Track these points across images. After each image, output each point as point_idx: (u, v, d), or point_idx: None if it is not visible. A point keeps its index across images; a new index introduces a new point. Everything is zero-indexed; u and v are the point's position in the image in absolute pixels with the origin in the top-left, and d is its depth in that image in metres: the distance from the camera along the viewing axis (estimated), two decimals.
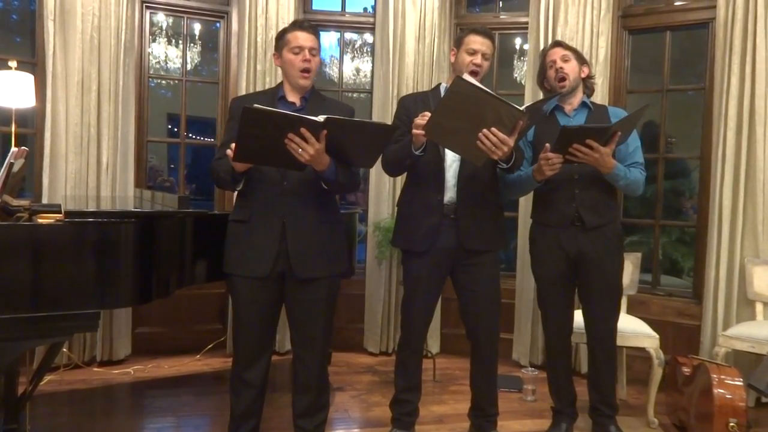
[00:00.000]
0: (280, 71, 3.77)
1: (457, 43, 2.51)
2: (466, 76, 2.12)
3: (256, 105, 1.90)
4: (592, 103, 2.70)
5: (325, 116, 1.92)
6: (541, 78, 2.73)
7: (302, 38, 2.22)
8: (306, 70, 2.23)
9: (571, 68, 2.61)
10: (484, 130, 2.11)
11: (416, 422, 2.72)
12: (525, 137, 2.70)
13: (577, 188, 2.57)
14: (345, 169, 2.16)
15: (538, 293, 2.79)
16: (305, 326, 2.30)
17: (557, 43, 2.72)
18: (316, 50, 2.25)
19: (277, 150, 1.95)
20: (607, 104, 2.76)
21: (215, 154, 2.31)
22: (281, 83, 2.35)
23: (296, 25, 2.27)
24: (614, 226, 2.63)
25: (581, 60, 2.68)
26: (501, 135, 2.12)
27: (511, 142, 2.15)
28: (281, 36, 2.28)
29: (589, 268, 2.60)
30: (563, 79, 2.60)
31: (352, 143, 2.06)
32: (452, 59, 2.54)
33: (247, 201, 2.25)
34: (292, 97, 2.29)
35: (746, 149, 3.30)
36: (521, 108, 2.08)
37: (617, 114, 2.63)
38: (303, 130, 1.91)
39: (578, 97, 2.67)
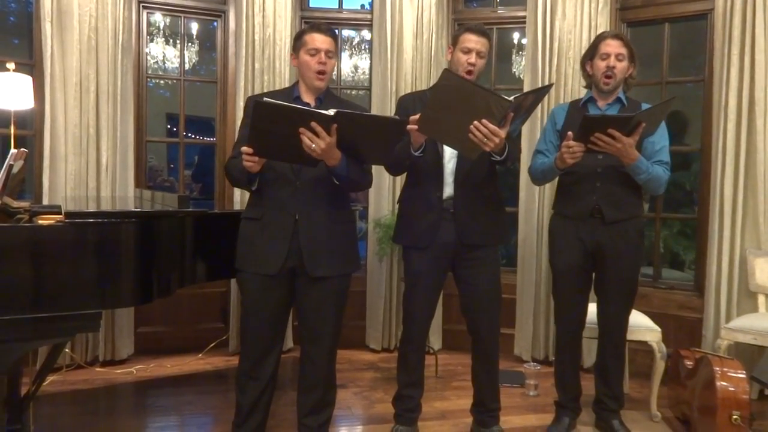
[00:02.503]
0: (278, 69, 3.86)
1: (453, 41, 2.52)
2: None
3: (267, 99, 1.92)
4: (628, 98, 2.66)
5: (335, 110, 1.94)
6: (587, 59, 2.67)
7: (319, 40, 2.24)
8: (321, 72, 2.25)
9: (621, 68, 2.56)
10: (475, 122, 2.11)
11: (419, 418, 2.73)
12: (554, 125, 2.71)
13: (599, 181, 2.56)
14: (357, 166, 2.17)
15: (553, 284, 2.78)
16: (314, 324, 2.31)
17: (618, 36, 2.61)
18: (332, 52, 2.27)
19: (289, 145, 1.96)
20: (641, 101, 2.69)
21: (232, 152, 2.33)
22: (296, 83, 2.37)
23: (314, 28, 2.29)
24: (636, 222, 2.61)
25: (632, 59, 2.61)
26: (491, 126, 2.12)
27: (502, 133, 2.14)
28: (299, 37, 2.30)
29: (606, 261, 2.59)
30: (610, 77, 2.56)
31: (364, 138, 2.07)
32: (448, 57, 2.54)
33: (260, 199, 2.27)
34: (307, 98, 2.31)
35: (746, 140, 3.29)
36: (510, 98, 2.08)
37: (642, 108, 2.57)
38: (313, 123, 1.92)
39: (615, 92, 2.63)
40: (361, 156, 2.16)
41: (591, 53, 2.64)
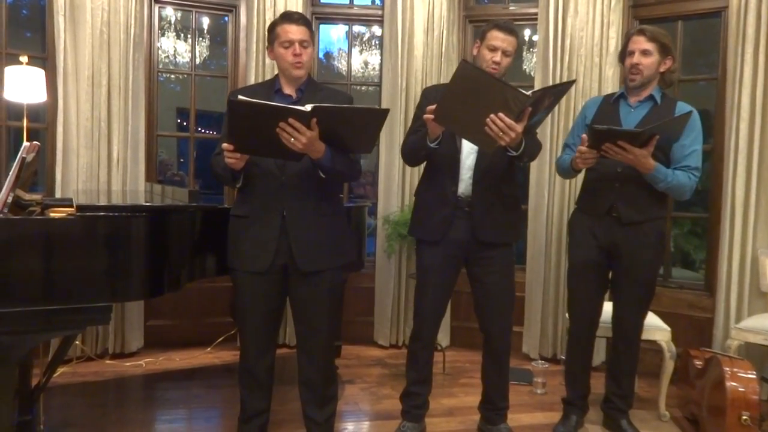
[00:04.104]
0: None
1: (481, 36, 2.47)
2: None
3: (241, 98, 1.89)
4: (664, 96, 2.59)
5: (312, 105, 1.91)
6: (621, 57, 2.64)
7: (291, 31, 2.18)
8: (298, 63, 2.20)
9: (648, 63, 2.49)
10: (492, 116, 2.09)
11: (426, 415, 2.73)
12: (584, 119, 2.69)
13: (618, 181, 2.53)
14: (342, 156, 2.14)
15: (567, 279, 2.79)
16: (309, 319, 2.30)
17: (642, 32, 2.52)
18: (307, 42, 2.21)
19: (270, 140, 1.94)
20: (676, 99, 2.61)
21: (216, 149, 2.30)
22: (277, 75, 2.33)
23: (285, 18, 2.22)
24: (656, 224, 2.56)
25: (665, 53, 2.51)
26: (508, 120, 2.10)
27: (518, 128, 2.12)
28: (271, 29, 2.25)
29: (622, 262, 2.57)
30: (635, 74, 2.51)
31: (346, 129, 2.04)
32: (474, 52, 2.51)
33: (246, 196, 2.24)
34: (288, 90, 2.27)
35: (759, 139, 3.26)
36: (528, 93, 2.06)
37: (683, 110, 2.49)
38: (291, 120, 1.90)
39: (648, 89, 2.56)
40: (345, 146, 2.12)
41: (623, 52, 2.61)
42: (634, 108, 2.59)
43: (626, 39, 2.61)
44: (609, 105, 2.65)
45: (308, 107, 1.90)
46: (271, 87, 2.31)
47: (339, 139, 2.06)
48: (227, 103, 1.89)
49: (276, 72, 3.72)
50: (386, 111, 2.05)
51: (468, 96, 2.08)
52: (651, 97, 2.57)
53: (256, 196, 2.21)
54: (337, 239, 2.31)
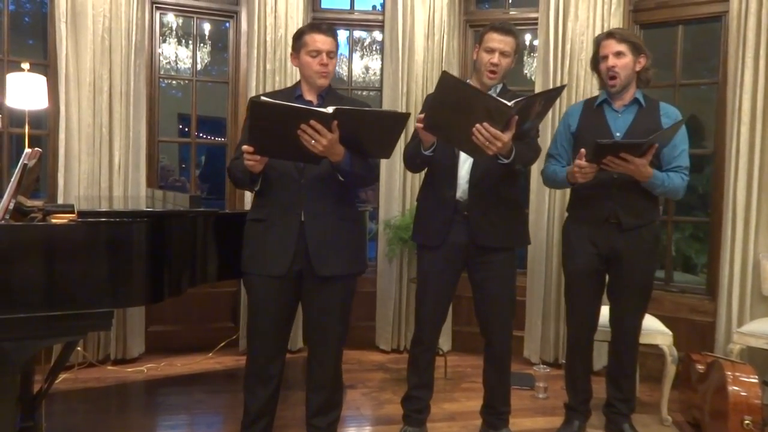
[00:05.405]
0: (290, 69, 3.86)
1: (479, 39, 2.49)
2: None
3: (263, 98, 1.91)
4: (646, 97, 2.60)
5: (334, 107, 1.93)
6: (594, 64, 2.63)
7: (320, 41, 2.21)
8: (324, 72, 2.24)
9: (623, 65, 2.49)
10: (477, 125, 2.10)
11: (428, 419, 2.72)
12: (568, 127, 2.68)
13: (615, 188, 2.52)
14: (361, 161, 2.16)
15: (565, 287, 2.78)
16: (321, 325, 2.30)
17: (611, 35, 2.54)
18: (333, 53, 2.25)
19: (291, 143, 1.95)
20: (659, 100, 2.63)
21: (234, 153, 2.32)
22: (299, 82, 2.36)
23: (314, 28, 2.26)
24: (652, 227, 2.58)
25: (637, 52, 2.51)
26: (493, 130, 2.10)
27: (505, 137, 2.12)
28: (299, 37, 2.27)
29: (622, 266, 2.57)
30: (613, 78, 2.51)
31: (366, 133, 2.06)
32: (474, 56, 2.52)
33: (264, 200, 2.25)
34: (309, 96, 2.30)
35: (760, 144, 3.25)
36: (510, 103, 2.06)
37: (669, 112, 2.54)
38: (313, 122, 1.91)
39: (630, 92, 2.57)
40: (364, 151, 2.14)
41: (595, 59, 2.62)
42: (621, 113, 2.58)
43: (596, 45, 2.61)
44: (592, 111, 2.64)
45: (330, 109, 1.92)
46: (292, 93, 2.33)
47: (358, 143, 2.07)
48: (248, 105, 1.92)
49: (278, 78, 3.84)
50: (407, 115, 2.07)
51: (453, 106, 2.09)
52: (636, 101, 2.57)
53: (274, 200, 2.22)
54: (355, 246, 2.32)
